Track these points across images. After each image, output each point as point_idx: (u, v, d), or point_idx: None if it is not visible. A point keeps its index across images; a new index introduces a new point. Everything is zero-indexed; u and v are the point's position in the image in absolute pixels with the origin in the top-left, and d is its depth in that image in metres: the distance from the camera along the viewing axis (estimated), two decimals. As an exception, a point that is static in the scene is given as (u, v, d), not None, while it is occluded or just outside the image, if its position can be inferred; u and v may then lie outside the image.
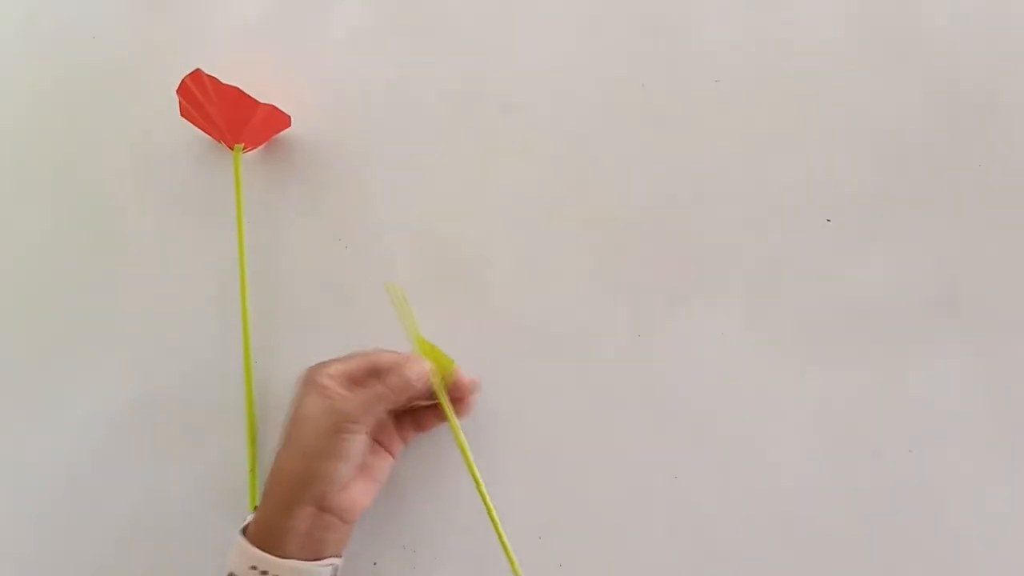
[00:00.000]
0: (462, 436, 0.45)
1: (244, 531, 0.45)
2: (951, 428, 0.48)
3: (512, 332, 0.51)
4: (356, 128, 0.55)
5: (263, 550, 0.43)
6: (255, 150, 0.55)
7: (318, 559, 0.44)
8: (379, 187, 0.54)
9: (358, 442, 0.44)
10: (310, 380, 0.46)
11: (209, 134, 0.54)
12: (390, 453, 0.48)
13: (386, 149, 0.55)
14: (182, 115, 0.53)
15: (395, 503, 0.49)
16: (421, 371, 0.45)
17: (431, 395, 0.46)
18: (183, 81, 0.51)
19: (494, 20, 0.55)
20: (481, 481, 0.44)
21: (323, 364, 0.46)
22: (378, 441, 0.48)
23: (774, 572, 0.48)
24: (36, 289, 0.55)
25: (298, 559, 0.43)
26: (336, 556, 0.45)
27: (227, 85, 0.50)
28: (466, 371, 0.49)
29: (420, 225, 0.54)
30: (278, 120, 0.54)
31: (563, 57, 0.54)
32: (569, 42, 0.55)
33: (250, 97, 0.51)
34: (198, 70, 0.50)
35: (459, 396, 0.48)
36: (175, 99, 0.52)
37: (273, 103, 0.52)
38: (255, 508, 0.50)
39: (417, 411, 0.49)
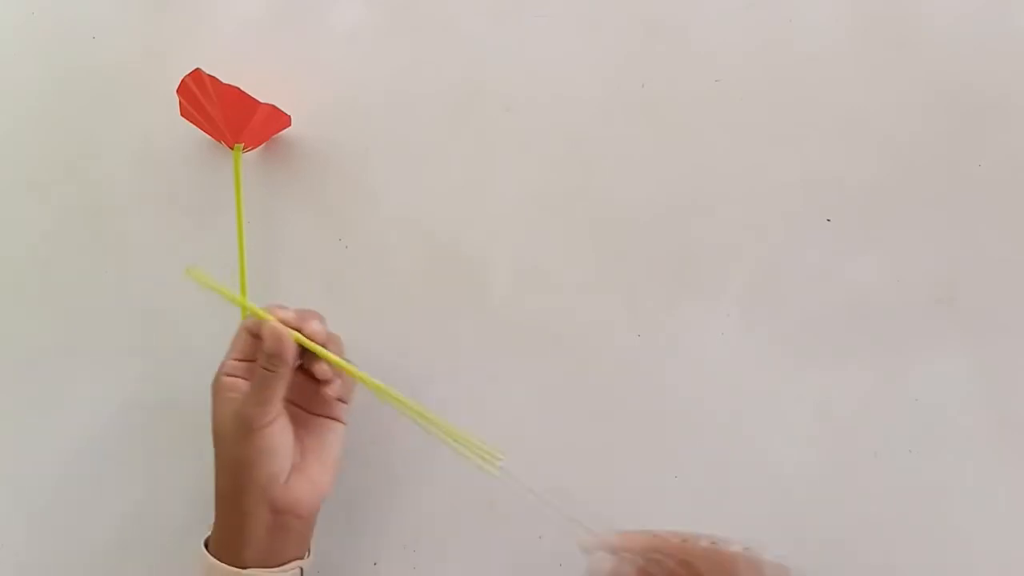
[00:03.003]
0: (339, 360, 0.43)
1: (207, 543, 0.44)
2: (951, 428, 0.48)
3: (512, 332, 0.51)
4: (356, 128, 0.55)
5: (223, 562, 0.43)
6: (255, 150, 0.55)
7: (281, 564, 0.43)
8: (379, 187, 0.54)
9: (273, 434, 0.42)
10: (214, 386, 0.44)
11: (209, 134, 0.54)
12: (334, 419, 0.46)
13: (386, 149, 0.55)
14: (182, 115, 0.53)
15: (395, 503, 0.49)
16: (277, 335, 0.42)
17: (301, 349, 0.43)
18: (183, 81, 0.51)
19: (494, 20, 0.55)
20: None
21: (221, 364, 0.45)
22: (311, 411, 0.45)
23: (774, 572, 0.48)
24: (36, 289, 0.55)
25: (258, 568, 0.42)
26: (299, 558, 0.44)
27: (227, 85, 0.50)
28: (466, 370, 0.49)
29: (420, 225, 0.54)
30: (278, 120, 0.54)
31: (563, 57, 0.54)
32: (569, 42, 0.55)
33: (250, 97, 0.51)
34: (198, 70, 0.50)
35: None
36: (175, 99, 0.52)
37: (273, 103, 0.52)
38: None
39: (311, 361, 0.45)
